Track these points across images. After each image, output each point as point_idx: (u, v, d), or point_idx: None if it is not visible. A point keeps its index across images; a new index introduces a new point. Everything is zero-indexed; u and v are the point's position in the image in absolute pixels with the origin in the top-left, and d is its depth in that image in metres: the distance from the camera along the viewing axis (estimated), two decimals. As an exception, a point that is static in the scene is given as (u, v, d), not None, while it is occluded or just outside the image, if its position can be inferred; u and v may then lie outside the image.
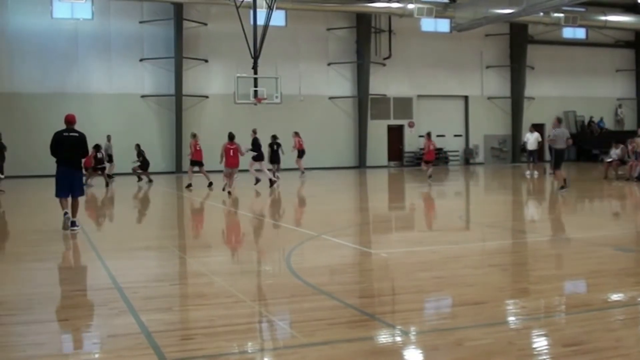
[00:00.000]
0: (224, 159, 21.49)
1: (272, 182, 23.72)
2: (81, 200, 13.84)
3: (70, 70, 33.65)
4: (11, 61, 32.65)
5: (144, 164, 28.35)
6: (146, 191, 24.25)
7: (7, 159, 24.32)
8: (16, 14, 32.72)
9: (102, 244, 11.52)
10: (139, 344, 5.64)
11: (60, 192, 13.12)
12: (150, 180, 27.57)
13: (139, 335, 5.87)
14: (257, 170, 24.90)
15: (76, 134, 13.11)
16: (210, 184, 23.30)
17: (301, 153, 30.76)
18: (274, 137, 28.01)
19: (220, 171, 22.43)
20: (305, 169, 31.22)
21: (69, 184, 13.06)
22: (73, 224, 12.98)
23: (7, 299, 7.39)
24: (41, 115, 31.54)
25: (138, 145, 28.67)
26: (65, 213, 13.04)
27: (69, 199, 13.19)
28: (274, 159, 27.63)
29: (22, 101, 32.30)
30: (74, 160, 13.15)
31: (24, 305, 7.09)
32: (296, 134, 31.05)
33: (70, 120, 13.23)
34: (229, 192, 20.82)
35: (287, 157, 29.21)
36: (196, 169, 24.23)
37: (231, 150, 21.40)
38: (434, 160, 27.89)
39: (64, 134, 13.06)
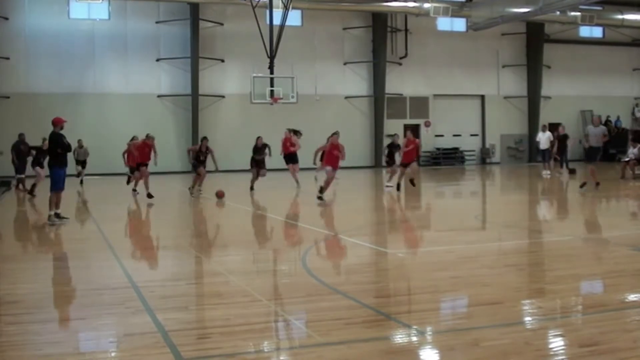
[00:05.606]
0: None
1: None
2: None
3: (86, 71, 33.80)
4: (28, 62, 32.81)
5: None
6: (159, 191, 24.25)
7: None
8: (33, 14, 32.90)
9: (118, 243, 11.56)
10: (155, 342, 5.66)
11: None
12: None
13: (156, 334, 5.89)
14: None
15: (49, 135, 14.35)
16: (32, 190, 21.52)
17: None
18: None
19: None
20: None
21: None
22: (57, 215, 14.02)
23: (24, 297, 7.44)
24: (58, 116, 31.60)
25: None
26: (57, 214, 14.07)
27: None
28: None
29: (39, 101, 32.41)
30: (51, 158, 14.32)
31: (41, 304, 7.14)
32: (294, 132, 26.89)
33: (54, 123, 14.57)
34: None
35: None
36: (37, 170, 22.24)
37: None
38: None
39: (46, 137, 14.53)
